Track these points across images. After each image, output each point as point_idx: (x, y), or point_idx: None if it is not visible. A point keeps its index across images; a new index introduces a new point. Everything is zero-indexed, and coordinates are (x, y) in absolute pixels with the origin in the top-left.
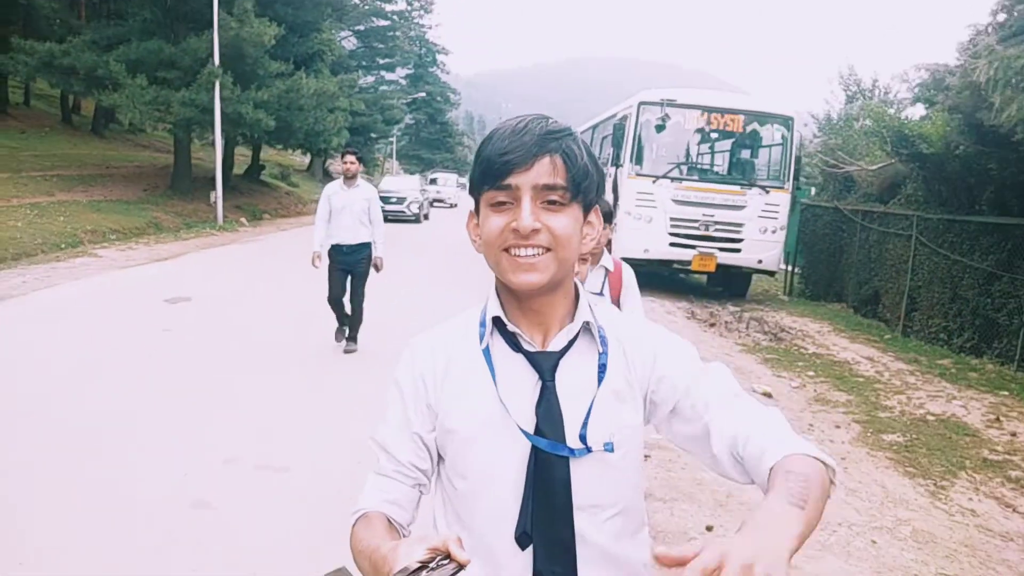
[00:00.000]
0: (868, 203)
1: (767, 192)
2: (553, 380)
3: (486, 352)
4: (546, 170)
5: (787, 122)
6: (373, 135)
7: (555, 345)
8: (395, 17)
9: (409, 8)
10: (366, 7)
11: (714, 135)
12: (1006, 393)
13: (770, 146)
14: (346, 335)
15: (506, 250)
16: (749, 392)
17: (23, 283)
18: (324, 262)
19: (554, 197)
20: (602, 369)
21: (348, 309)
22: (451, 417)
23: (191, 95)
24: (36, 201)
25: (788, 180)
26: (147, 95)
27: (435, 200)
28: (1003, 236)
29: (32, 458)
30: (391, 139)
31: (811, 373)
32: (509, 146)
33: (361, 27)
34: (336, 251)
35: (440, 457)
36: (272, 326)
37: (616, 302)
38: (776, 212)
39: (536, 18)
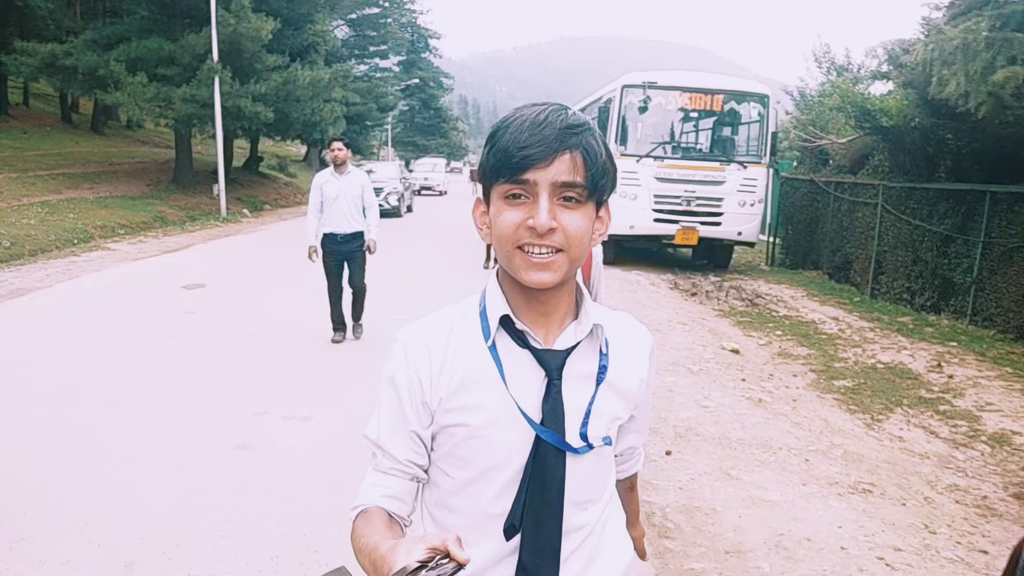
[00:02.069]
0: (840, 175)
1: (745, 167)
2: (560, 379)
3: (493, 348)
4: (566, 167)
5: (763, 99)
6: (368, 123)
7: (561, 343)
8: (386, 4)
9: None
10: None
11: (694, 114)
12: (954, 344)
13: (748, 123)
14: (345, 332)
15: (519, 247)
16: (718, 350)
17: (47, 276)
18: (319, 255)
19: (571, 195)
20: (603, 370)
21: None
22: (453, 411)
23: (191, 91)
24: (45, 199)
25: (765, 155)
26: (148, 92)
27: (423, 188)
28: (958, 201)
29: (103, 410)
30: (386, 126)
31: (779, 332)
32: (529, 140)
33: (353, 16)
34: (330, 240)
35: (432, 448)
36: (286, 305)
37: (586, 282)
38: (754, 186)
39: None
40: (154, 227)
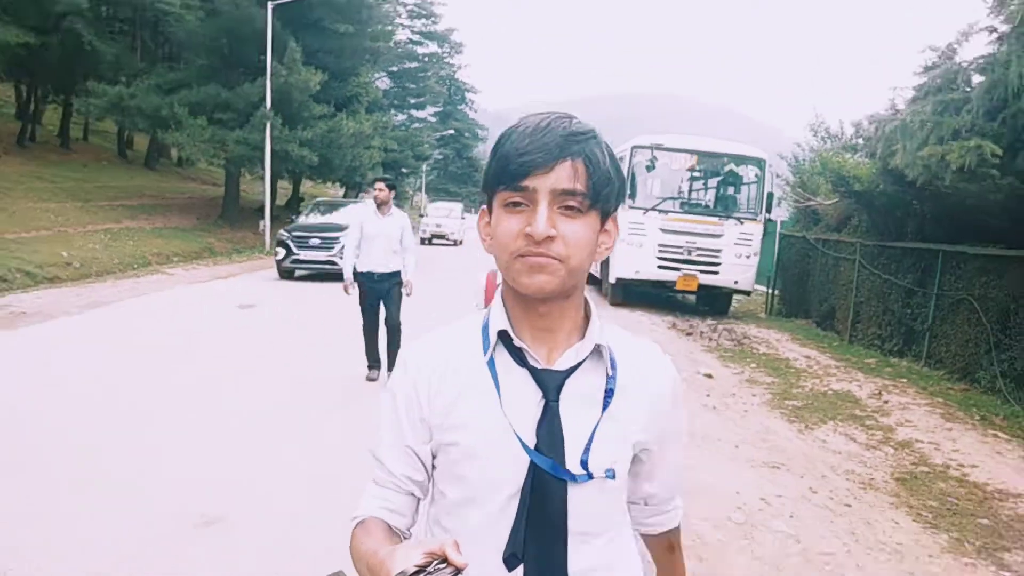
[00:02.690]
0: (828, 232)
1: (742, 223)
2: (557, 400)
3: (491, 364)
4: (566, 175)
5: (760, 163)
6: (404, 170)
7: (562, 364)
8: (426, 59)
9: (440, 51)
10: (399, 51)
11: (697, 173)
12: (903, 380)
13: (746, 183)
14: (379, 371)
15: (520, 256)
16: (694, 373)
17: (117, 292)
18: (355, 290)
19: (572, 203)
20: (609, 394)
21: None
22: (449, 429)
23: (245, 134)
24: (107, 227)
25: (761, 212)
26: (206, 134)
27: (434, 236)
28: (918, 258)
29: (184, 384)
30: (421, 174)
31: (753, 365)
32: (529, 146)
33: (394, 68)
34: (366, 278)
35: (433, 465)
36: (328, 322)
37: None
38: (750, 240)
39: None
40: (204, 257)
